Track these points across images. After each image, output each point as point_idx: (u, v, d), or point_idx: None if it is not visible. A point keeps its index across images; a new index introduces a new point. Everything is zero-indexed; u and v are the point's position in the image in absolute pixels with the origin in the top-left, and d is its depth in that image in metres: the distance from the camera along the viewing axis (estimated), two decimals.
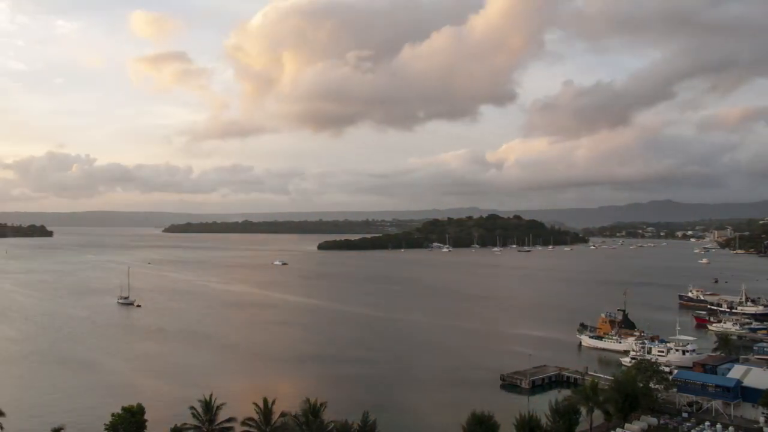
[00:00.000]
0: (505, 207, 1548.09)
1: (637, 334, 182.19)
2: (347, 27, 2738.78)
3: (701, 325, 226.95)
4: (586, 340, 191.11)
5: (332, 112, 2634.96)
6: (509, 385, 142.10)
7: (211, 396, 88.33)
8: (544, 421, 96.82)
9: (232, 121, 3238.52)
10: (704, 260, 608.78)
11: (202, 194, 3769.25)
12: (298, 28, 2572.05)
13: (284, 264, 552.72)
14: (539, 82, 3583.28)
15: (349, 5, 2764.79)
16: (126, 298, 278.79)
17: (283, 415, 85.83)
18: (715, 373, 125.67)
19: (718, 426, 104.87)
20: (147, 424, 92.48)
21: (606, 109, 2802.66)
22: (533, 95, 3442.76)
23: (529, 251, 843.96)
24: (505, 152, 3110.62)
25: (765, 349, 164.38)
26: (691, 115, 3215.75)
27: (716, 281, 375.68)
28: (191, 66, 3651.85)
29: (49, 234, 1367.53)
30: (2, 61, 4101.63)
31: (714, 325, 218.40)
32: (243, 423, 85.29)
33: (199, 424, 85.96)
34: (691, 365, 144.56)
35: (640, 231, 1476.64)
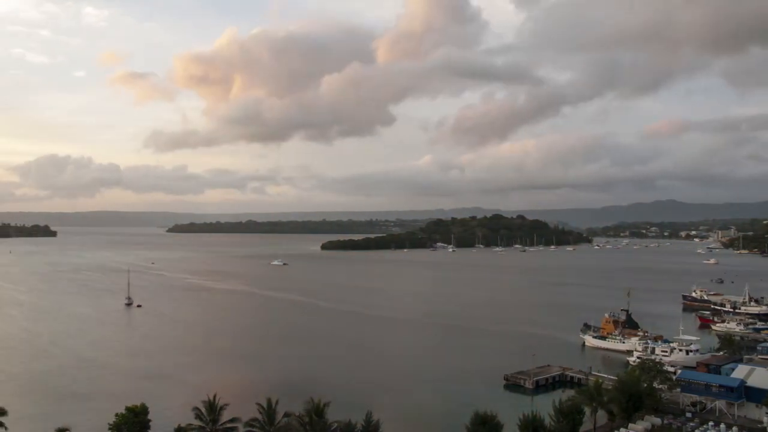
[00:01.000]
0: (509, 207, 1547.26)
1: (640, 334, 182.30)
2: (284, 57, 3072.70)
3: (705, 325, 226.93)
4: (590, 340, 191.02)
5: (258, 132, 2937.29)
6: (513, 385, 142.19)
7: (214, 396, 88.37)
8: (547, 421, 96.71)
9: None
10: (711, 260, 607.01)
11: (206, 194, 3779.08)
12: (246, 56, 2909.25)
13: (285, 264, 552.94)
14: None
15: (290, 37, 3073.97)
16: (128, 298, 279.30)
17: (286, 415, 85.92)
18: (719, 373, 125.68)
19: (722, 426, 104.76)
20: (151, 424, 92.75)
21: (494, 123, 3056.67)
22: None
23: (525, 251, 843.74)
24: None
25: None
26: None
27: (721, 281, 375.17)
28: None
29: (53, 234, 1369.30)
30: (22, 53, 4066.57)
31: (718, 325, 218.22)
32: (246, 424, 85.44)
33: (203, 425, 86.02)
34: (694, 365, 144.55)
35: (644, 231, 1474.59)
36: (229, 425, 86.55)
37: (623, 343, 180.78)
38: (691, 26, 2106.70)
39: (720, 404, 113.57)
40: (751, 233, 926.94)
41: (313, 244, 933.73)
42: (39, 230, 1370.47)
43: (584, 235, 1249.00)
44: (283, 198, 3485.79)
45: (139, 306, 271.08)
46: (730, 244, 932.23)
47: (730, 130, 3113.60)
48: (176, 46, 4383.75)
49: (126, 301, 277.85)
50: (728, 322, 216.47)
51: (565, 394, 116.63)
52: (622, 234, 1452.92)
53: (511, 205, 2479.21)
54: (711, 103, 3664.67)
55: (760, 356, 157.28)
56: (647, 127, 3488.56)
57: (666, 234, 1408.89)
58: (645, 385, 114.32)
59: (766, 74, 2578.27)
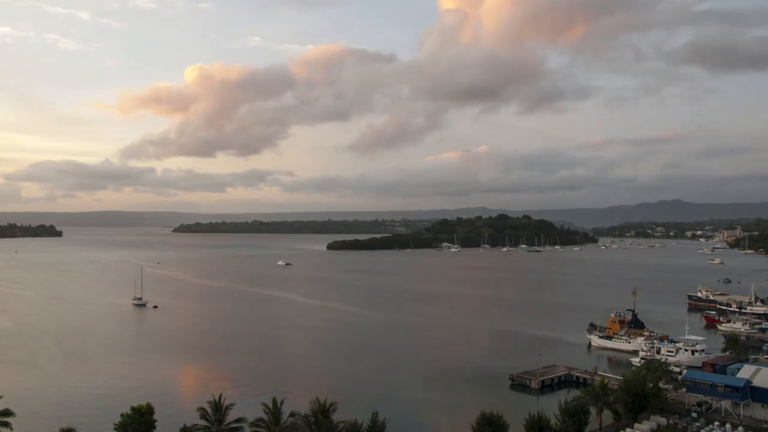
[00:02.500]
0: (513, 207, 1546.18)
1: (646, 334, 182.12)
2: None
3: (711, 325, 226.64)
4: (596, 340, 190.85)
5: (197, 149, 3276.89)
6: (518, 385, 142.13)
7: (220, 396, 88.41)
8: (553, 421, 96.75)
9: None
10: (716, 260, 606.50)
11: (210, 194, 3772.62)
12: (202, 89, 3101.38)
13: (288, 264, 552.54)
14: None
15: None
16: (139, 299, 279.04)
17: (292, 415, 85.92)
18: (725, 373, 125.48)
19: (728, 426, 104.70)
20: (156, 424, 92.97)
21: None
22: None
23: (539, 251, 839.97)
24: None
25: None
26: None
27: (729, 281, 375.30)
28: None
29: (59, 234, 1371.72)
30: (56, 39, 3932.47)
31: (723, 325, 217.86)
32: (252, 423, 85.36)
33: (209, 425, 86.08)
34: (700, 365, 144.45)
35: (650, 231, 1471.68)
36: (234, 425, 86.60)
37: (629, 343, 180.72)
38: None
39: (725, 404, 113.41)
40: (756, 233, 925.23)
41: (318, 243, 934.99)
42: (44, 230, 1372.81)
43: (590, 235, 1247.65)
44: (288, 198, 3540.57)
45: (155, 307, 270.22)
46: (735, 244, 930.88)
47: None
48: (227, 37, 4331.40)
49: (135, 301, 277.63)
50: (734, 322, 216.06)
51: (570, 394, 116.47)
52: (627, 234, 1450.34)
53: (517, 205, 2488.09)
54: None
55: (765, 356, 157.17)
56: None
57: (672, 234, 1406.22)
58: (650, 385, 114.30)
59: None
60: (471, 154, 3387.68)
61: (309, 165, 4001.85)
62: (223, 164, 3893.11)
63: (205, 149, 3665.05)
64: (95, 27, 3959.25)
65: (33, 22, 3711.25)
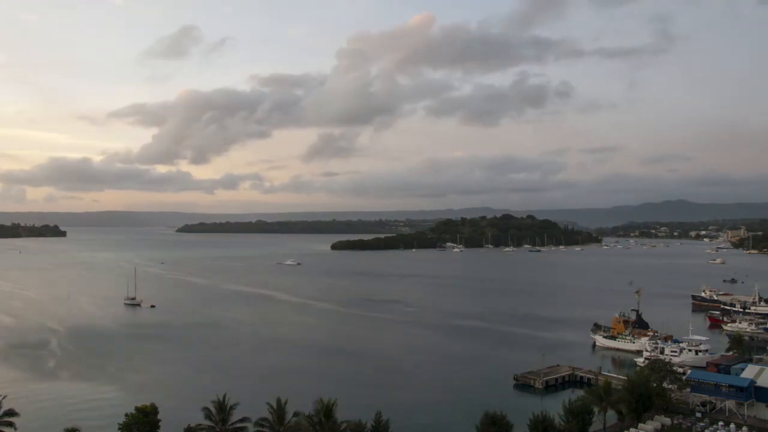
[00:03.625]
0: (518, 207, 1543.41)
1: (650, 334, 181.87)
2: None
3: (715, 325, 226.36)
4: (600, 340, 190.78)
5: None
6: (522, 385, 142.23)
7: (224, 396, 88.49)
8: (557, 421, 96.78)
9: None
10: (718, 260, 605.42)
11: (214, 195, 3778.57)
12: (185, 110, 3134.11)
13: (298, 264, 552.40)
14: None
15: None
16: (133, 298, 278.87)
17: (296, 414, 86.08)
18: (729, 373, 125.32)
19: (732, 426, 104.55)
20: (160, 424, 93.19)
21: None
22: None
23: (540, 251, 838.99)
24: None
25: None
26: None
27: (734, 281, 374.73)
28: None
29: (63, 234, 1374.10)
30: (84, 30, 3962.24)
31: (727, 325, 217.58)
32: (256, 423, 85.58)
33: (213, 425, 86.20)
34: (704, 365, 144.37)
35: (654, 231, 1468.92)
36: (238, 425, 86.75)
37: (633, 343, 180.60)
38: None
39: (729, 404, 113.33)
40: (760, 233, 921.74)
41: (322, 244, 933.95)
42: (48, 230, 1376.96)
43: (594, 235, 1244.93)
44: (291, 199, 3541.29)
45: (153, 306, 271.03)
46: (739, 243, 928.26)
47: None
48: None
49: (130, 302, 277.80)
50: (738, 322, 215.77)
51: (574, 394, 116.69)
52: (632, 234, 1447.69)
53: (521, 205, 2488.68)
54: None
55: None
56: None
57: (676, 234, 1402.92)
58: (655, 385, 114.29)
59: None
60: (461, 156, 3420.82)
61: (276, 171, 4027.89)
62: (188, 169, 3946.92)
63: (166, 157, 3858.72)
64: (129, 12, 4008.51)
65: (61, 9, 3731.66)
